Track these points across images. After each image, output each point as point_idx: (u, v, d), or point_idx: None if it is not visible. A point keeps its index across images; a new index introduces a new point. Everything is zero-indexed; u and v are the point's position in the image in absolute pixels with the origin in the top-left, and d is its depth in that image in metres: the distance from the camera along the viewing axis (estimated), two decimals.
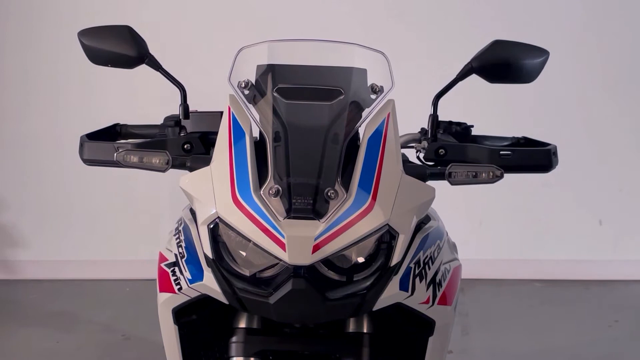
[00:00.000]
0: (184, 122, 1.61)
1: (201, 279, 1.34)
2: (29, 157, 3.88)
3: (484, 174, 1.42)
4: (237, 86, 1.43)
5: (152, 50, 1.60)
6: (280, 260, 1.25)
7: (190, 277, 1.36)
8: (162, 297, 1.43)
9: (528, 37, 1.69)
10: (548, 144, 1.61)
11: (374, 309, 1.31)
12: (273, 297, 1.25)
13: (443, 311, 1.42)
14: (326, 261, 1.26)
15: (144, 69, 1.61)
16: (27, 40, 3.75)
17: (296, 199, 1.27)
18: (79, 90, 3.79)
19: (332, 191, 1.28)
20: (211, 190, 1.31)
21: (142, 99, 3.55)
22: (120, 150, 1.45)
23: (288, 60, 1.47)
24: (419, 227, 1.46)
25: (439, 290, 1.41)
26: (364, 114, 1.43)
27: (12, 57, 3.79)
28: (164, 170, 1.43)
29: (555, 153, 1.59)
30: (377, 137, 1.36)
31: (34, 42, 3.75)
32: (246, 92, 1.44)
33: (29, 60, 3.77)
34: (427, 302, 1.38)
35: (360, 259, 1.29)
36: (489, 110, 3.44)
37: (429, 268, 1.40)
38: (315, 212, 1.27)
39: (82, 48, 1.60)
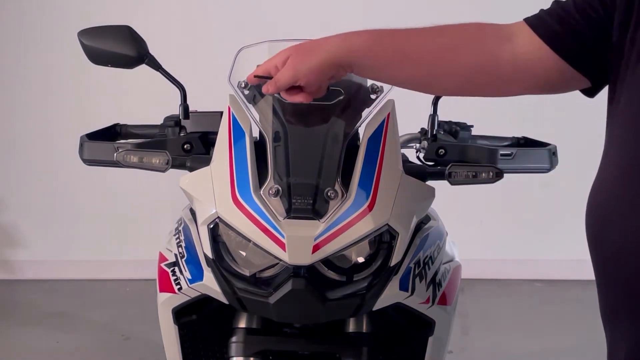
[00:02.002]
0: (184, 122, 1.61)
1: (201, 278, 1.34)
2: (29, 156, 3.88)
3: (483, 174, 1.42)
4: (237, 86, 1.43)
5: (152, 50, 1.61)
6: (280, 260, 1.25)
7: (190, 277, 1.36)
8: (162, 297, 1.43)
9: None
10: (548, 144, 1.61)
11: (374, 309, 1.31)
12: (273, 297, 1.24)
13: (443, 311, 1.42)
14: (326, 261, 1.26)
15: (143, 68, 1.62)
16: (24, 41, 3.75)
17: (296, 199, 1.27)
18: (77, 91, 3.79)
19: (332, 191, 1.28)
20: (211, 190, 1.31)
21: (139, 99, 3.55)
22: (120, 150, 1.45)
23: None
24: (419, 227, 1.46)
25: (438, 290, 1.41)
26: (364, 114, 1.43)
27: (10, 58, 3.79)
28: (164, 170, 1.43)
29: (555, 153, 1.59)
30: (377, 137, 1.36)
31: (30, 42, 3.75)
32: (246, 92, 1.44)
33: (27, 60, 3.77)
34: (427, 302, 1.38)
35: (360, 259, 1.29)
36: (489, 110, 3.43)
37: (429, 268, 1.40)
38: (315, 212, 1.26)
39: (82, 48, 1.60)
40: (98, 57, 1.59)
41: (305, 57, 1.19)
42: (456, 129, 1.73)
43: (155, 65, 1.60)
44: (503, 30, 1.16)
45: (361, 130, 1.40)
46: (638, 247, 0.96)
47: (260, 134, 1.39)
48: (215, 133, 1.41)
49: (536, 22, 1.13)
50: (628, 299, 1.00)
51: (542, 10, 1.15)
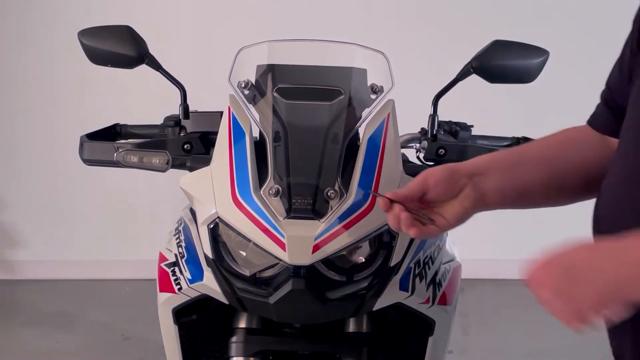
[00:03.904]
0: (184, 122, 1.61)
1: (201, 278, 1.34)
2: (29, 156, 3.88)
3: None
4: (237, 86, 1.43)
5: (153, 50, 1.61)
6: (280, 260, 1.25)
7: (190, 277, 1.36)
8: (162, 297, 1.43)
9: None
10: None
11: (374, 309, 1.31)
12: (273, 297, 1.24)
13: (443, 311, 1.42)
14: (326, 261, 1.26)
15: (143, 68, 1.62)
16: (24, 41, 3.75)
17: (296, 198, 1.27)
18: (77, 91, 3.79)
19: (332, 191, 1.28)
20: (211, 190, 1.31)
21: (139, 99, 3.54)
22: (120, 150, 1.45)
23: (288, 60, 1.47)
24: None
25: (438, 290, 1.41)
26: (364, 114, 1.42)
27: (10, 58, 3.79)
28: (164, 170, 1.43)
29: None
30: (377, 137, 1.36)
31: (31, 43, 3.75)
32: (246, 92, 1.43)
33: (27, 60, 3.77)
34: (427, 302, 1.38)
35: (360, 259, 1.29)
36: (489, 110, 3.43)
37: (429, 268, 1.40)
38: (315, 212, 1.26)
39: (82, 48, 1.60)
40: (98, 57, 1.59)
41: None
42: (456, 129, 1.73)
43: (155, 65, 1.60)
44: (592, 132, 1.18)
45: (361, 130, 1.40)
46: None
47: (260, 134, 1.38)
48: (215, 133, 1.41)
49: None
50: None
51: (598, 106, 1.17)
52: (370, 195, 1.28)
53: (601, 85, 1.19)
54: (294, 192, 1.28)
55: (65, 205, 3.91)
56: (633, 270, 0.84)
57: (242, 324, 1.42)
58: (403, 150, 1.55)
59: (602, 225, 1.03)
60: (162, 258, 1.47)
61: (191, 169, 1.42)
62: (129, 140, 1.71)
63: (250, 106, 1.43)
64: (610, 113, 1.14)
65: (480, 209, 1.15)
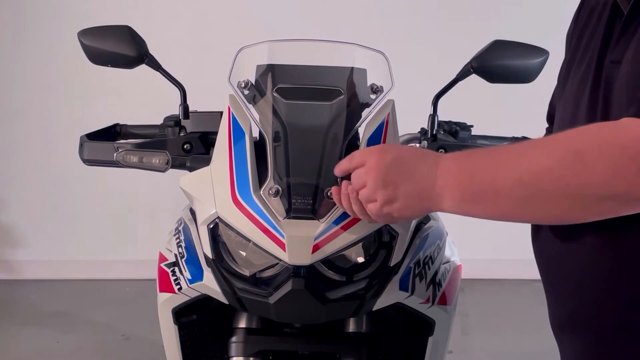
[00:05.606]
0: (183, 122, 1.61)
1: (201, 279, 1.34)
2: (29, 156, 3.88)
3: None
4: (237, 86, 1.43)
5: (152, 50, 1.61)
6: (280, 260, 1.25)
7: (190, 277, 1.36)
8: (162, 297, 1.43)
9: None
10: None
11: (374, 309, 1.31)
12: (273, 297, 1.24)
13: (443, 311, 1.42)
14: (326, 261, 1.26)
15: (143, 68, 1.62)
16: (23, 41, 3.75)
17: (296, 198, 1.27)
18: (76, 91, 3.79)
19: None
20: (211, 190, 1.31)
21: (139, 99, 3.55)
22: (120, 150, 1.45)
23: (288, 60, 1.47)
24: (418, 227, 1.46)
25: (438, 290, 1.41)
26: (364, 114, 1.42)
27: (10, 58, 3.79)
28: (163, 170, 1.43)
29: None
30: (377, 137, 1.36)
31: (30, 42, 3.75)
32: (246, 92, 1.43)
33: (27, 60, 3.78)
34: (427, 302, 1.38)
35: (360, 259, 1.29)
36: (488, 110, 3.44)
37: (429, 268, 1.40)
38: (315, 212, 1.26)
39: (82, 48, 1.60)
40: (98, 57, 1.59)
41: None
42: (456, 129, 1.73)
43: (155, 65, 1.60)
44: None
45: (361, 130, 1.40)
46: (573, 264, 1.03)
47: (260, 134, 1.38)
48: (215, 133, 1.41)
49: None
50: (570, 312, 1.05)
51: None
52: None
53: None
54: (293, 192, 1.28)
55: (65, 205, 3.92)
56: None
57: (242, 324, 1.42)
58: None
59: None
60: (162, 258, 1.47)
61: (191, 169, 1.42)
62: (129, 140, 1.70)
63: (250, 106, 1.42)
64: None
65: None
